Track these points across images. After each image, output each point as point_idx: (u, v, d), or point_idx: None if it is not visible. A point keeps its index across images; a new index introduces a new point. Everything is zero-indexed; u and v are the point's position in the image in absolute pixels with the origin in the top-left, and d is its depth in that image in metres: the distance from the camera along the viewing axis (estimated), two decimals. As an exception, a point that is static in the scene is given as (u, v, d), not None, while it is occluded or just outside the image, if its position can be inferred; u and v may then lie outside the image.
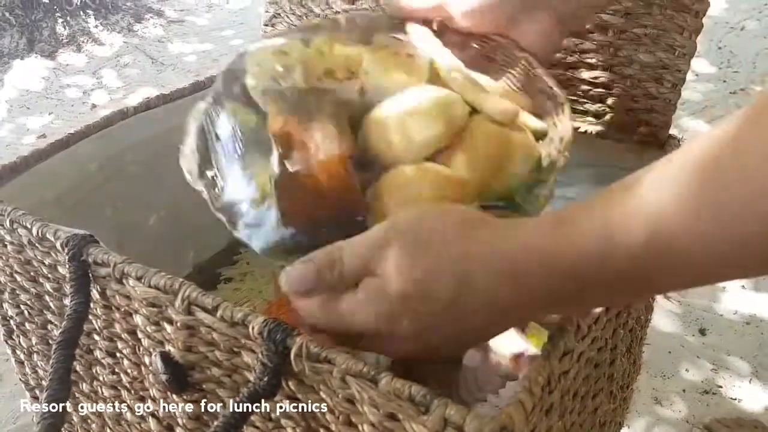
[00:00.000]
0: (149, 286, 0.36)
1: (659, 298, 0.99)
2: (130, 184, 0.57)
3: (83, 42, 2.50)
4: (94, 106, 2.00)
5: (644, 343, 0.52)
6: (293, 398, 0.33)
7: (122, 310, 0.39)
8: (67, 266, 0.39)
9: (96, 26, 2.61)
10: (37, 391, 0.50)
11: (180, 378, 0.37)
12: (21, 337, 0.48)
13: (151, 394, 0.40)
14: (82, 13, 2.73)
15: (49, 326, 0.46)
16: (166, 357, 0.37)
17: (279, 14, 0.67)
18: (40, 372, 0.49)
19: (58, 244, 0.39)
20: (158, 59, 2.42)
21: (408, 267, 0.29)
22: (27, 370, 0.50)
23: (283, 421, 0.35)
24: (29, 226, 0.41)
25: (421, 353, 0.32)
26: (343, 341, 0.33)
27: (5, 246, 0.44)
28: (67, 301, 0.41)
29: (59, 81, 2.21)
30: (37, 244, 0.41)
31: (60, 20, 2.59)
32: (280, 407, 0.34)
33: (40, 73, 2.27)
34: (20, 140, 1.80)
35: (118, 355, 0.41)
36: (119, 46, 2.52)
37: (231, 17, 2.83)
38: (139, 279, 0.36)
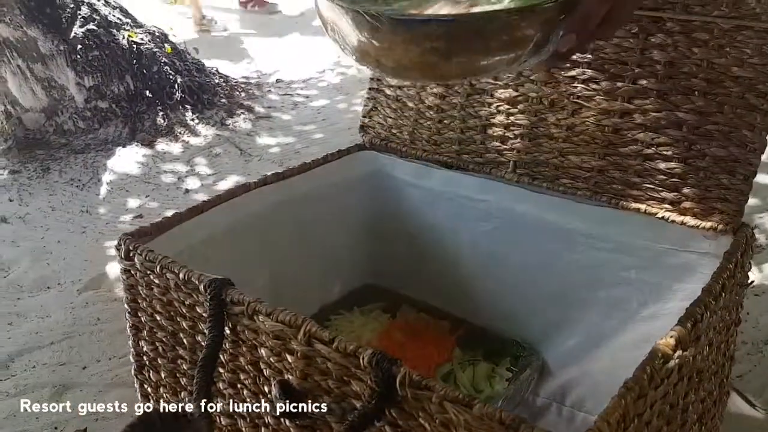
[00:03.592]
0: (276, 321, 0.46)
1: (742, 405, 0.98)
2: (246, 246, 0.70)
3: (180, 133, 2.84)
4: (187, 191, 2.26)
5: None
6: (395, 424, 0.41)
7: (249, 343, 0.49)
8: (208, 304, 0.50)
9: (192, 119, 2.98)
10: (156, 423, 0.60)
11: (295, 405, 0.46)
12: (151, 371, 0.59)
13: (266, 421, 0.49)
14: (180, 107, 3.13)
15: (179, 361, 0.56)
16: (285, 384, 0.46)
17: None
18: (163, 404, 0.59)
19: (201, 287, 0.51)
20: (246, 150, 2.71)
21: None
22: (150, 403, 0.60)
23: (382, 446, 0.42)
24: (177, 271, 0.53)
25: None
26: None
27: (151, 289, 0.56)
28: (199, 338, 0.52)
29: (156, 167, 2.52)
30: (182, 287, 0.53)
31: (160, 113, 2.98)
32: (384, 430, 0.41)
33: (139, 160, 2.59)
34: (118, 218, 2.05)
35: (239, 385, 0.51)
36: (212, 137, 2.85)
37: (313, 114, 3.14)
38: (268, 315, 0.47)
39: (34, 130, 2.44)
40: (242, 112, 3.11)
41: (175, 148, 2.68)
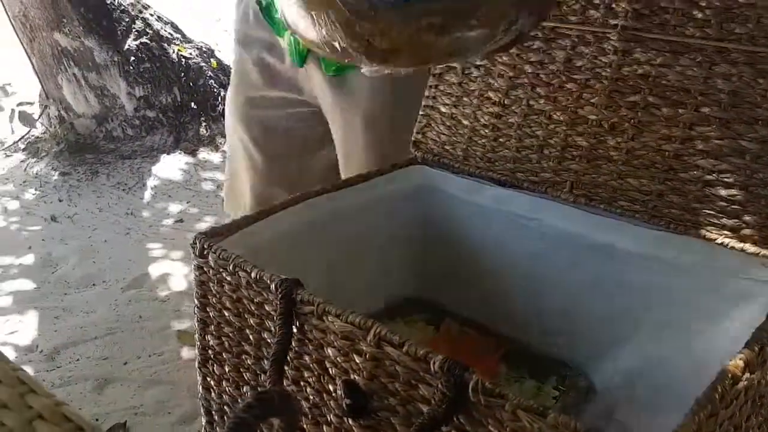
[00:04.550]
0: (346, 322, 0.48)
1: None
2: (303, 251, 0.72)
3: (221, 143, 2.91)
4: (226, 198, 2.31)
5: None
6: (462, 430, 0.42)
7: (315, 342, 0.51)
8: (278, 303, 0.52)
9: (233, 130, 3.06)
10: (216, 416, 0.62)
11: (360, 405, 0.47)
12: (215, 365, 0.61)
13: (328, 419, 0.51)
14: (222, 119, 3.23)
15: (244, 356, 0.58)
16: (351, 384, 0.48)
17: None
18: (225, 398, 0.61)
19: (272, 286, 0.53)
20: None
21: None
22: (212, 395, 0.62)
23: (449, 448, 0.43)
24: (248, 270, 0.55)
25: None
26: None
27: (222, 286, 0.58)
28: (265, 335, 0.54)
29: (197, 175, 2.58)
30: (253, 285, 0.55)
31: (204, 124, 3.07)
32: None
33: (182, 167, 2.65)
34: (161, 222, 2.10)
35: (302, 383, 0.53)
36: (252, 148, 2.90)
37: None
38: (337, 316, 0.48)
39: (85, 135, 2.53)
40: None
41: (216, 157, 2.75)
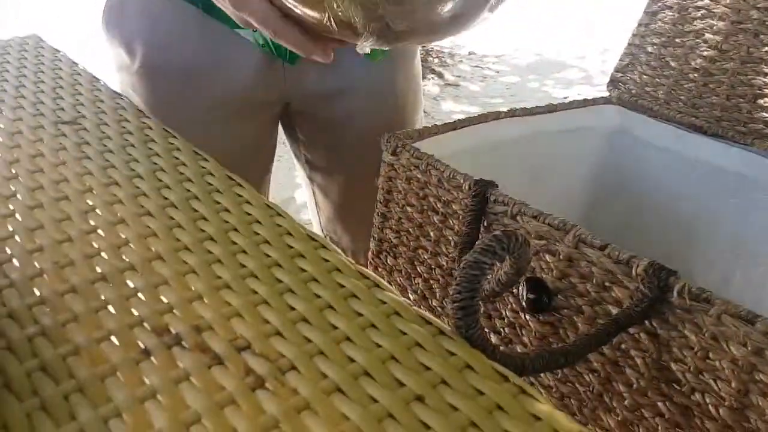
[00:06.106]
0: (544, 223, 0.49)
1: None
2: (483, 169, 0.73)
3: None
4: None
5: None
6: (653, 334, 0.42)
7: (503, 241, 0.53)
8: (469, 202, 0.54)
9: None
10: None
11: (541, 301, 0.49)
12: (389, 257, 0.66)
13: (503, 314, 0.53)
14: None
15: (420, 250, 0.62)
16: (536, 281, 0.49)
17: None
18: (393, 286, 0.65)
19: (465, 185, 0.55)
20: (430, 113, 2.79)
21: None
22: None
23: (633, 352, 0.43)
24: (441, 170, 0.58)
25: None
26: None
27: (410, 183, 0.62)
28: (447, 233, 0.57)
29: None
30: (444, 183, 0.58)
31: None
32: (636, 338, 0.43)
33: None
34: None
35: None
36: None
37: (502, 89, 3.13)
38: (534, 217, 0.50)
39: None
40: (432, 77, 3.19)
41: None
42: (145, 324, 0.35)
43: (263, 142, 0.82)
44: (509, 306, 0.52)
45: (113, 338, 0.35)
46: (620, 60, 0.80)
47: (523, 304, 0.50)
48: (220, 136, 0.75)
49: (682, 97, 0.75)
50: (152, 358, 0.34)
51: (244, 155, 0.78)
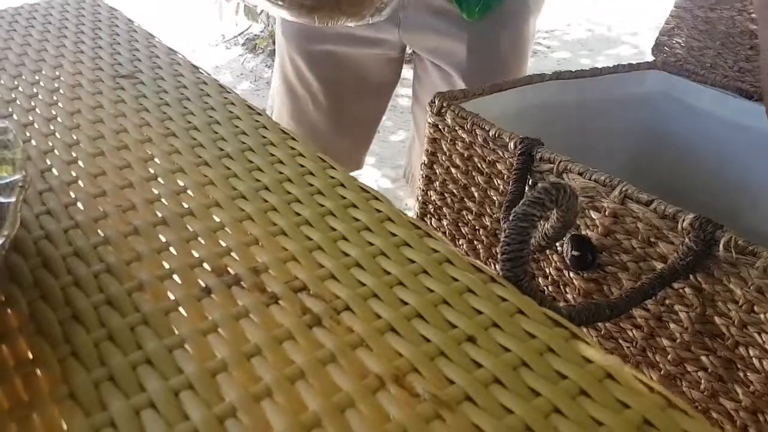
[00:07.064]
0: (590, 179, 0.49)
1: None
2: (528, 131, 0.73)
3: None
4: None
5: None
6: (697, 288, 0.42)
7: (548, 199, 0.53)
8: (516, 161, 0.54)
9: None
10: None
11: (586, 259, 0.49)
12: (433, 218, 0.67)
13: (547, 273, 0.53)
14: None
15: (464, 212, 0.63)
16: (580, 238, 0.49)
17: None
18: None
19: (511, 144, 0.55)
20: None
21: None
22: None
23: (677, 307, 0.44)
24: (487, 129, 0.58)
25: None
26: None
27: (455, 144, 0.63)
28: (491, 193, 0.57)
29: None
30: (489, 143, 0.58)
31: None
32: (681, 293, 0.43)
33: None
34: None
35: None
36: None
37: (553, 64, 3.06)
38: (580, 174, 0.50)
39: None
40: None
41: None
42: (205, 265, 0.37)
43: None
44: (553, 264, 0.53)
45: (175, 276, 0.36)
46: (666, 23, 0.79)
47: (568, 261, 0.50)
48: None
49: (728, 61, 0.73)
50: (213, 296, 0.35)
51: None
